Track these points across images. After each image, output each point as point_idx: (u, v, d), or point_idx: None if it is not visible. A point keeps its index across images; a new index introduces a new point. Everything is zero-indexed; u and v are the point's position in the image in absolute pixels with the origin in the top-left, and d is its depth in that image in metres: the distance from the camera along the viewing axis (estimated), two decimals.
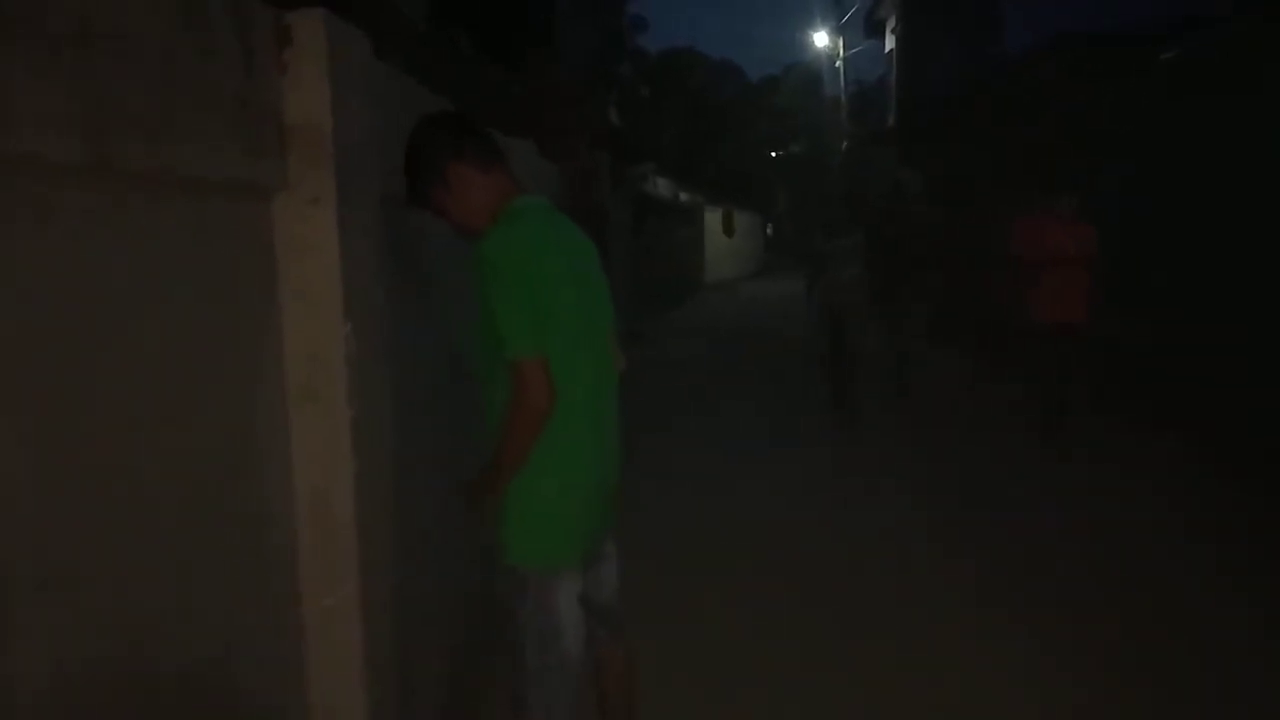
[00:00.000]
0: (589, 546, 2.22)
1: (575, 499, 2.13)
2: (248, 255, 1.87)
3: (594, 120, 7.40)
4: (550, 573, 2.12)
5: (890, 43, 20.28)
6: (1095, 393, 7.61)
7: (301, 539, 2.02)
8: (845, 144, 23.59)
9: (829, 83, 25.32)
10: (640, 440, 7.14)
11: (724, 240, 27.78)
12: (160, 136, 1.46)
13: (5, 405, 1.21)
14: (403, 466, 2.41)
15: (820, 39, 25.16)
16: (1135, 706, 3.17)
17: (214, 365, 1.74)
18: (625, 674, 2.50)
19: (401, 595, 2.32)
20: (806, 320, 8.45)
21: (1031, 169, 9.57)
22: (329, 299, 1.98)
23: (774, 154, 37.54)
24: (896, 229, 8.18)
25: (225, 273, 1.78)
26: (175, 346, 1.60)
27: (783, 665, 3.50)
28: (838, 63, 24.39)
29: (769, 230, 40.41)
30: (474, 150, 2.20)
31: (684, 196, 23.41)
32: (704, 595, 4.20)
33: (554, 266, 2.05)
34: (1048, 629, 3.74)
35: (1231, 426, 6.12)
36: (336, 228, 1.96)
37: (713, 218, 26.32)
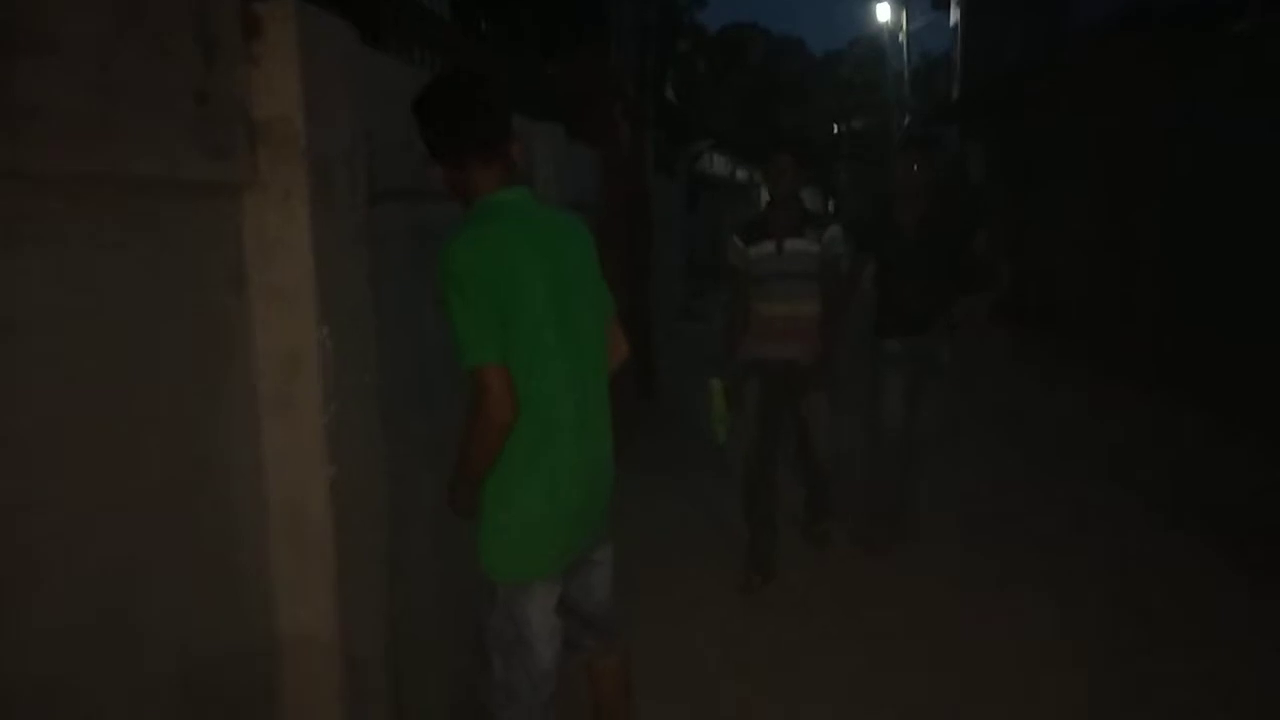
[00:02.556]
0: (570, 556, 2.12)
1: (553, 511, 2.02)
2: (215, 255, 1.79)
3: (637, 101, 7.24)
4: (521, 584, 2.03)
5: (955, 15, 19.65)
6: None
7: (275, 552, 1.95)
8: (907, 119, 23.00)
9: (893, 57, 24.64)
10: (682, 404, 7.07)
11: None
12: (91, 138, 1.38)
13: None
14: (396, 475, 2.34)
15: (884, 12, 24.48)
16: None
17: (174, 370, 1.68)
18: (619, 684, 2.41)
19: (392, 612, 2.25)
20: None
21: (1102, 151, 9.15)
22: (303, 300, 1.90)
23: (835, 129, 36.86)
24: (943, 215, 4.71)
25: (188, 273, 1.71)
26: (124, 353, 1.54)
27: None
28: (901, 36, 23.71)
29: (830, 206, 39.81)
30: (471, 138, 2.04)
31: (740, 174, 23.09)
32: None
33: (517, 269, 1.93)
34: None
35: None
36: (309, 226, 1.88)
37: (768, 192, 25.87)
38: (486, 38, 5.26)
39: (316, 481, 1.95)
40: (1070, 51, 10.22)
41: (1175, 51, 7.75)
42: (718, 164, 20.21)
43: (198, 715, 1.70)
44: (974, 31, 17.77)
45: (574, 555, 2.14)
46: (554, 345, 1.98)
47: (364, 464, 2.10)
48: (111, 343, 1.50)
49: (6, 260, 1.28)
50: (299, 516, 1.95)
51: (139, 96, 1.48)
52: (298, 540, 1.95)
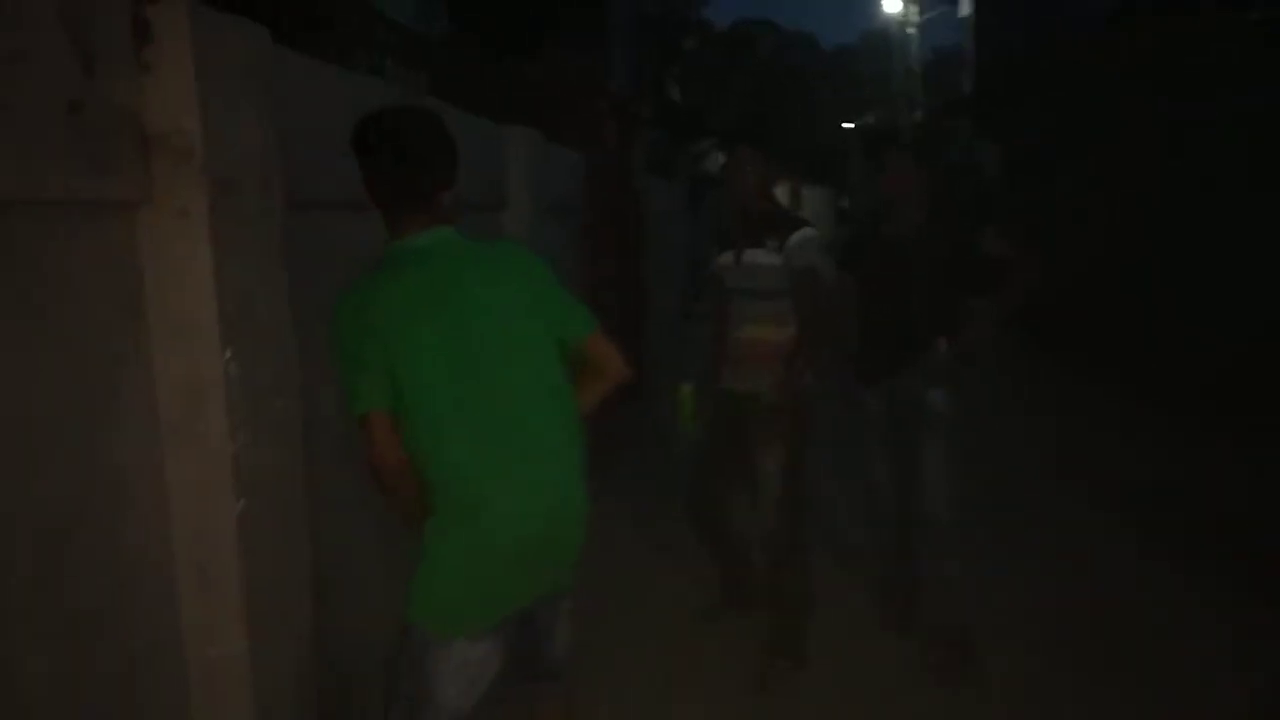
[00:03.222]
0: (505, 611, 1.93)
1: (475, 562, 1.85)
2: (104, 277, 1.68)
3: (626, 100, 7.10)
4: (433, 635, 1.86)
5: (966, 7, 19.38)
6: None
7: (182, 587, 1.84)
8: (918, 115, 22.73)
9: (904, 51, 24.36)
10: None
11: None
12: None
13: None
14: (336, 503, 2.23)
15: (893, 5, 24.18)
16: None
17: (64, 401, 1.57)
18: None
19: (312, 642, 2.13)
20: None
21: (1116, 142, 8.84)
22: (204, 325, 1.78)
23: (846, 125, 36.61)
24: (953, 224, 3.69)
25: (71, 298, 1.59)
26: (7, 382, 1.43)
27: None
28: (910, 29, 23.44)
29: (845, 205, 39.51)
30: (396, 188, 1.90)
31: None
32: None
33: (401, 323, 1.79)
34: None
35: None
36: (210, 245, 1.76)
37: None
38: (460, 41, 5.15)
39: (224, 516, 1.83)
40: (1084, 38, 9.92)
41: (1183, 39, 7.52)
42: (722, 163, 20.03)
43: None
44: (985, 22, 17.50)
45: (515, 609, 1.96)
46: (466, 388, 1.82)
47: (280, 494, 1.99)
48: None
49: None
50: (206, 554, 1.83)
51: None
52: (204, 577, 1.84)
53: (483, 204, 4.02)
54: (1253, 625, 3.52)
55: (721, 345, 3.46)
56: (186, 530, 1.83)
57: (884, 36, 29.46)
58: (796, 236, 3.25)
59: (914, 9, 23.12)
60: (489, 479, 1.83)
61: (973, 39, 18.70)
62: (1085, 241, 9.77)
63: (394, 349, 1.77)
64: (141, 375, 1.76)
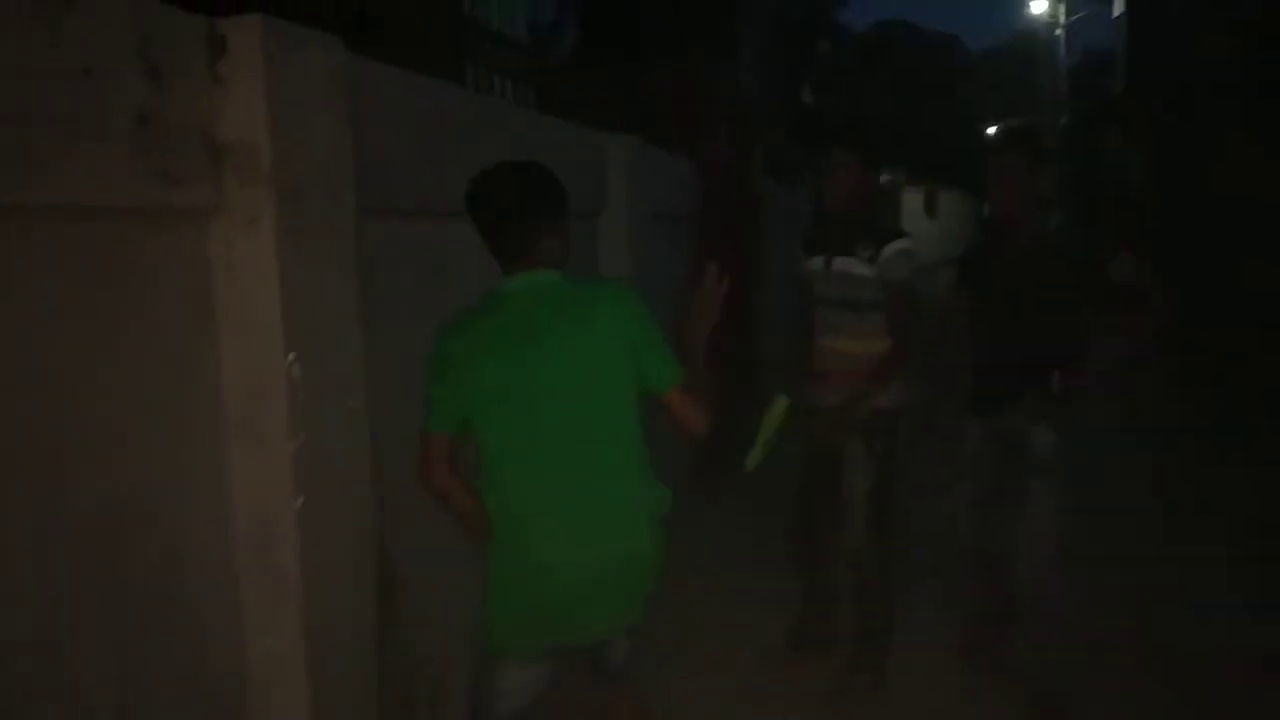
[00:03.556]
0: (554, 641, 2.04)
1: (519, 594, 1.99)
2: (176, 281, 1.76)
3: (745, 106, 7.03)
4: (487, 652, 2.05)
5: (1119, 6, 18.34)
6: None
7: (243, 582, 1.91)
8: (1064, 119, 21.70)
9: (1051, 53, 23.28)
10: None
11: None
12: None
13: None
14: (412, 507, 2.27)
15: (1039, 5, 23.14)
16: None
17: (133, 400, 1.65)
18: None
19: (377, 647, 2.18)
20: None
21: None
22: (269, 328, 1.84)
23: (990, 130, 35.26)
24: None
25: (142, 300, 1.68)
26: (69, 378, 1.52)
27: None
28: (1058, 30, 22.38)
29: (985, 211, 37.98)
30: (496, 242, 2.05)
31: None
32: None
33: (477, 364, 1.95)
34: None
35: None
36: (276, 251, 1.82)
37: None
38: (589, 53, 5.21)
39: (284, 512, 1.89)
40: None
41: None
42: None
43: None
44: (1140, 21, 16.51)
45: (568, 643, 2.08)
46: (515, 434, 1.95)
47: (341, 492, 2.03)
48: (53, 367, 1.48)
49: None
50: (266, 547, 1.90)
51: (60, 122, 1.44)
52: (264, 571, 1.90)
53: (581, 212, 4.05)
54: None
55: (807, 357, 3.34)
56: (247, 525, 1.89)
57: (1031, 38, 28.26)
58: (891, 247, 3.10)
59: (1061, 9, 22.05)
60: (535, 519, 1.94)
61: (1125, 38, 17.68)
62: (1244, 260, 9.01)
63: (466, 381, 1.94)
64: (210, 376, 1.83)
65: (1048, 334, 2.98)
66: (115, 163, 1.55)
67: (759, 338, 7.87)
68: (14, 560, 1.43)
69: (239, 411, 1.86)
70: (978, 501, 3.24)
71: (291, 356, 1.86)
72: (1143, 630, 3.67)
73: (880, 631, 3.31)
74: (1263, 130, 8.90)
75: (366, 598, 2.15)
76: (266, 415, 1.86)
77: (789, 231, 11.06)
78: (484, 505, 1.99)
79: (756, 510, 4.59)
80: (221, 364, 1.85)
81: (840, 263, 3.19)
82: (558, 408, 1.93)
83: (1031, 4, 23.65)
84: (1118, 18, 18.79)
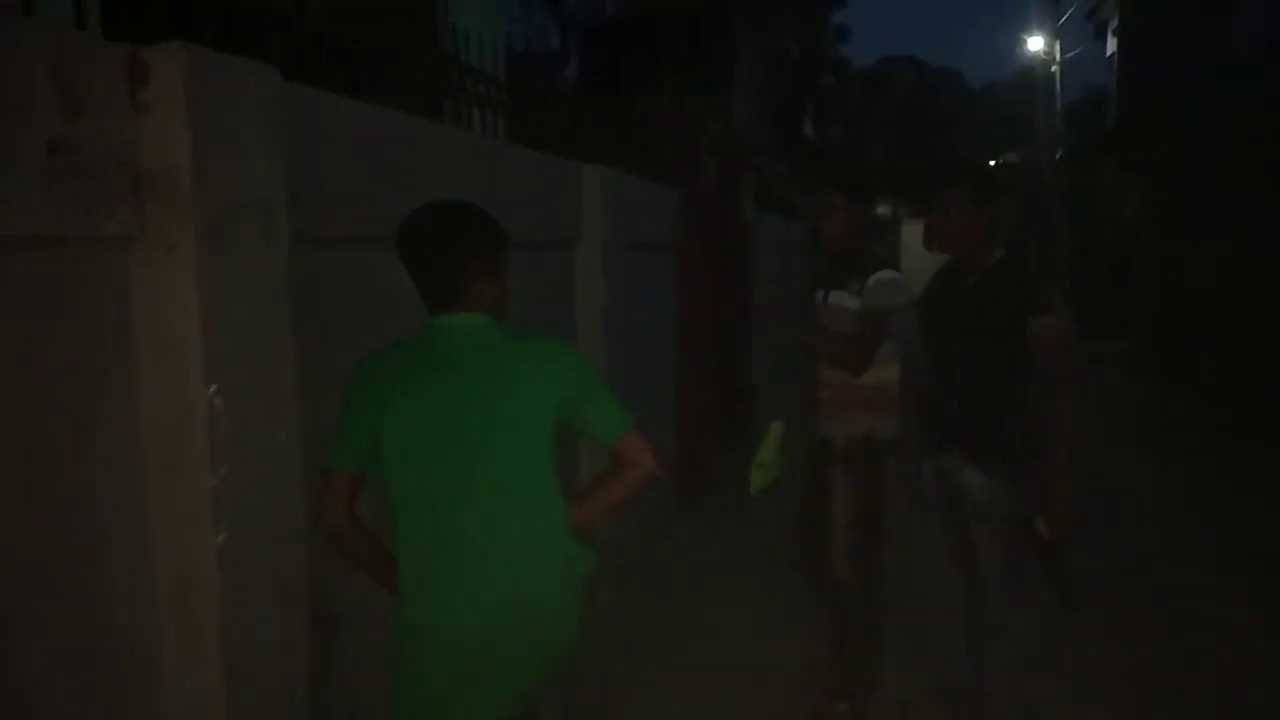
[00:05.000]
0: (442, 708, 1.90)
1: (407, 641, 1.91)
2: (95, 311, 1.72)
3: (729, 137, 7.04)
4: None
5: (1112, 45, 18.48)
6: None
7: (164, 622, 1.86)
8: (1059, 153, 21.75)
9: (1048, 88, 23.39)
10: None
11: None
12: None
13: None
14: None
15: (1036, 43, 23.30)
16: None
17: (49, 431, 1.62)
18: None
19: (312, 687, 2.12)
20: None
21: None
22: (190, 357, 1.80)
23: (990, 163, 35.44)
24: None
25: (62, 331, 1.65)
26: None
27: None
28: (1053, 67, 22.50)
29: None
30: (420, 285, 1.95)
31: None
32: None
33: (391, 395, 1.88)
34: None
35: None
36: (197, 280, 1.79)
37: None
38: (588, 85, 5.25)
39: (204, 548, 1.84)
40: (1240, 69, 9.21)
41: None
42: None
43: None
44: (1130, 59, 16.64)
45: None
46: (418, 480, 1.87)
47: (267, 527, 1.98)
48: None
49: None
50: (184, 584, 1.84)
51: None
52: (183, 609, 1.85)
53: (554, 241, 4.02)
54: None
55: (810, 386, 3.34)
56: (167, 559, 1.84)
57: (1029, 74, 28.46)
58: (875, 278, 3.11)
59: (1057, 46, 22.22)
60: (429, 565, 1.87)
61: (1117, 74, 17.79)
62: (1241, 286, 9.06)
63: (377, 421, 1.87)
64: (130, 406, 1.79)
65: (985, 373, 2.90)
66: (27, 191, 1.52)
67: (744, 364, 7.84)
68: None
69: (158, 443, 1.82)
70: (937, 533, 3.19)
71: (214, 388, 1.82)
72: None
73: (863, 661, 3.26)
74: (1247, 158, 8.98)
75: (295, 637, 2.09)
76: (186, 448, 1.82)
77: (784, 261, 11.11)
78: (386, 553, 1.93)
79: (738, 536, 4.58)
80: (141, 394, 1.81)
81: (835, 296, 3.23)
82: (464, 456, 1.85)
83: (1029, 42, 23.81)
84: (1109, 56, 18.93)
